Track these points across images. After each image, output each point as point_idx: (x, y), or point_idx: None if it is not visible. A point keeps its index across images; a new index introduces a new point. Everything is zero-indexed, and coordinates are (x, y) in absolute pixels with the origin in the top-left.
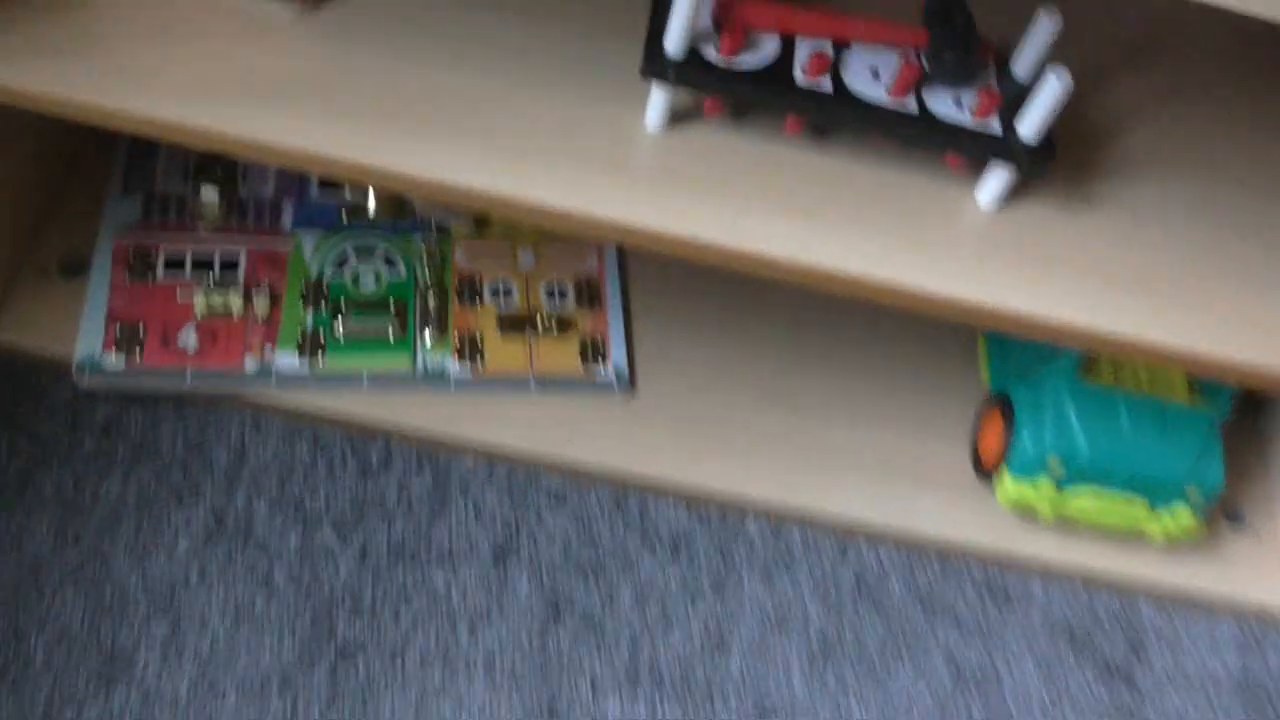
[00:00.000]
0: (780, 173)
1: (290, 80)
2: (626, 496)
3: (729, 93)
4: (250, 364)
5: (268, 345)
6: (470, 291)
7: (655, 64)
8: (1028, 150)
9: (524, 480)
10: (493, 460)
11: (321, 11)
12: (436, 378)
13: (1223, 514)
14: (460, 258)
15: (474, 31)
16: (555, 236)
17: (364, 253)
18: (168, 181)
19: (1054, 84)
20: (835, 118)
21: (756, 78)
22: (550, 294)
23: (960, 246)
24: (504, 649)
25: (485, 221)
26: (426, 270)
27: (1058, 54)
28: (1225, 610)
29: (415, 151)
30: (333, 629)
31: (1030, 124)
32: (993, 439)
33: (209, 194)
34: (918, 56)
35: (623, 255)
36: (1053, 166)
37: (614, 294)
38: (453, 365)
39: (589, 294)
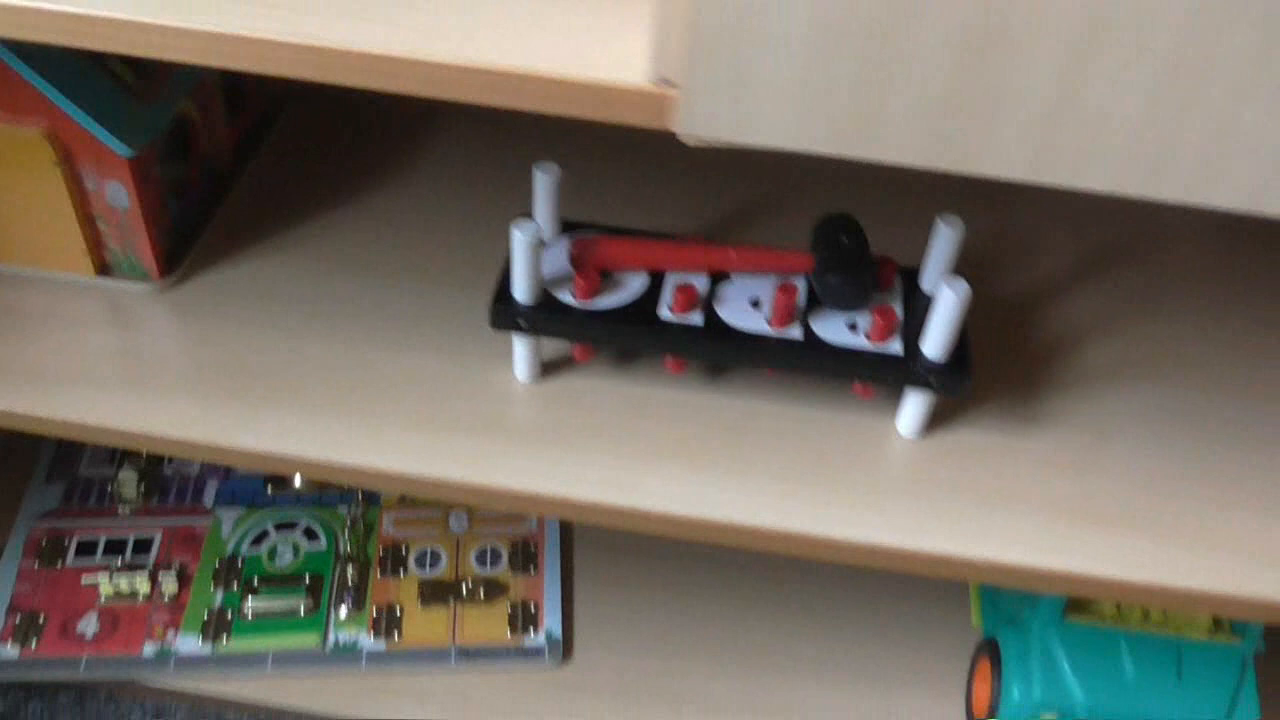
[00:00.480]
0: (671, 417)
1: (148, 361)
2: None
3: (586, 336)
4: (149, 649)
5: (170, 629)
6: (394, 561)
7: (505, 314)
8: (936, 370)
9: None
10: None
11: (181, 287)
12: (348, 654)
13: None
14: (388, 525)
15: (337, 298)
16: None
17: (285, 527)
18: (92, 465)
19: (948, 296)
20: (707, 352)
21: (617, 317)
22: (482, 559)
23: (884, 485)
24: None
25: None
26: (349, 541)
27: (1015, 262)
28: None
29: (281, 429)
30: None
31: (933, 341)
32: (983, 691)
33: (127, 477)
34: (806, 281)
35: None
36: (984, 384)
37: (553, 555)
38: (366, 640)
39: (524, 557)
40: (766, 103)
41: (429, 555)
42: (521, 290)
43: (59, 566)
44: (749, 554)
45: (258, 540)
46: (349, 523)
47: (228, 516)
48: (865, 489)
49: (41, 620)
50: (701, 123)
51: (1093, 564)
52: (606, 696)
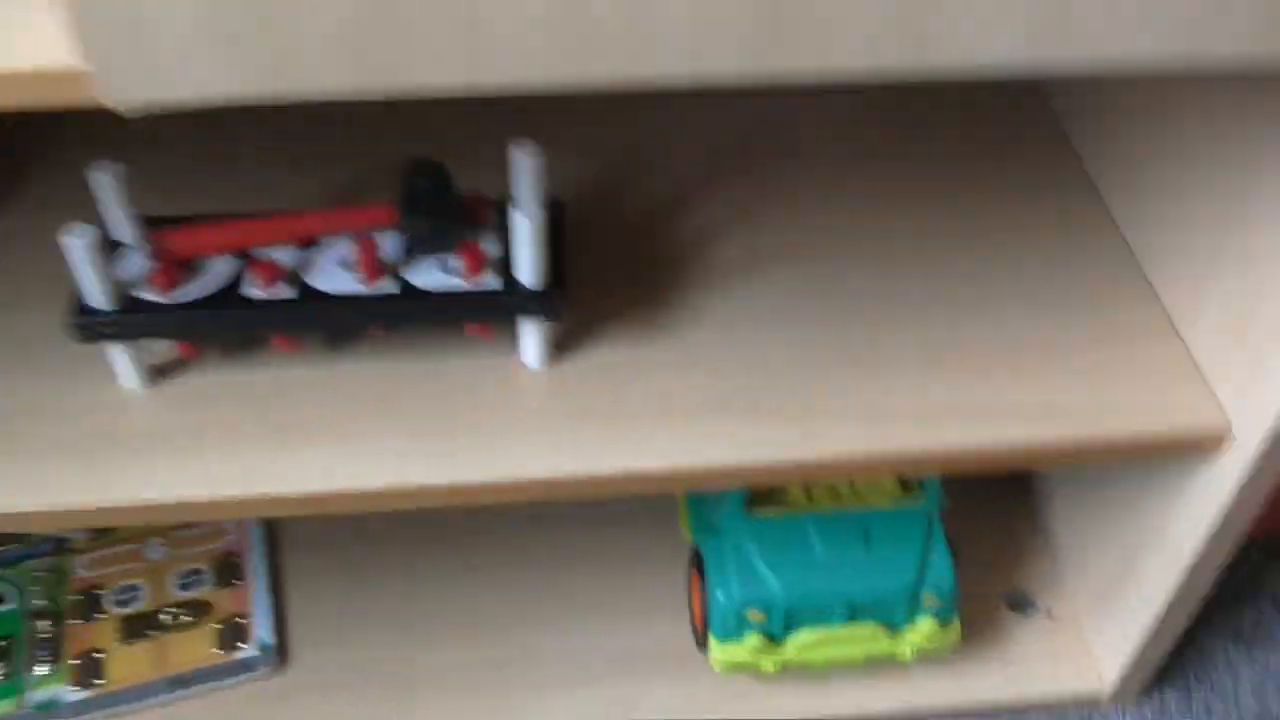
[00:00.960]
0: (297, 398)
1: None
2: None
3: (176, 332)
4: None
5: None
6: (90, 605)
7: (86, 326)
8: (532, 296)
9: None
10: None
11: None
12: (49, 710)
13: (1007, 606)
14: (80, 569)
15: None
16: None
17: None
18: None
19: (522, 222)
20: (304, 323)
21: (203, 306)
22: (185, 583)
23: (519, 418)
24: None
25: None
26: (40, 594)
27: (641, 175)
28: (1031, 710)
29: None
30: None
31: (524, 269)
32: (698, 603)
33: None
34: (391, 233)
35: (272, 532)
36: (613, 302)
37: (258, 564)
38: (67, 694)
39: (228, 570)
40: (176, 58)
41: (127, 591)
42: (96, 297)
43: None
44: (452, 520)
45: None
46: (35, 576)
47: None
48: (501, 426)
49: None
50: (124, 90)
51: (733, 454)
52: (331, 693)
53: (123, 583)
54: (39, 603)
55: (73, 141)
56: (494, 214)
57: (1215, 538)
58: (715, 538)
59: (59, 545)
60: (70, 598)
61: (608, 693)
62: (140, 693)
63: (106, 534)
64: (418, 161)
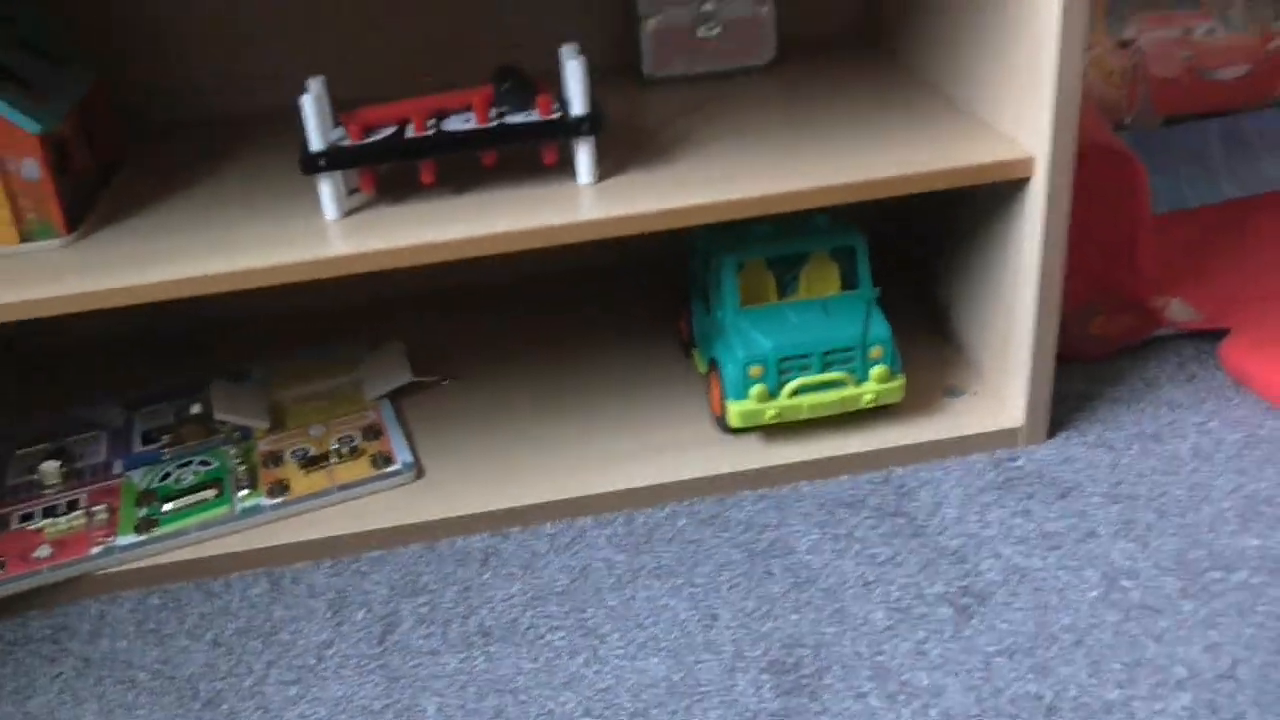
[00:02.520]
0: (437, 213)
1: (74, 270)
2: (437, 540)
3: (365, 158)
4: (95, 550)
5: (109, 536)
6: (274, 460)
7: (309, 160)
8: (584, 118)
9: (347, 558)
10: (317, 555)
11: (80, 243)
12: (253, 513)
13: (944, 394)
14: (263, 447)
15: (189, 238)
16: (339, 410)
17: (182, 464)
18: (14, 475)
19: (572, 66)
20: (442, 147)
21: (380, 145)
22: (341, 442)
23: (577, 198)
24: (347, 659)
25: (280, 420)
26: (237, 457)
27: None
28: (969, 447)
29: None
30: (196, 693)
31: (575, 101)
32: (715, 389)
33: (49, 467)
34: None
35: (398, 408)
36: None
37: (394, 426)
38: (265, 502)
39: (373, 433)
40: None
41: (299, 451)
42: (315, 140)
43: (6, 531)
44: (519, 380)
45: (163, 479)
46: (233, 448)
47: (136, 475)
48: (567, 206)
49: (2, 560)
50: None
51: (744, 191)
52: (455, 487)
53: (297, 447)
54: (235, 463)
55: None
56: (553, 97)
57: (1048, 244)
58: (719, 340)
59: (244, 434)
60: (259, 462)
61: (654, 462)
62: (319, 498)
63: (279, 425)
64: (502, 67)
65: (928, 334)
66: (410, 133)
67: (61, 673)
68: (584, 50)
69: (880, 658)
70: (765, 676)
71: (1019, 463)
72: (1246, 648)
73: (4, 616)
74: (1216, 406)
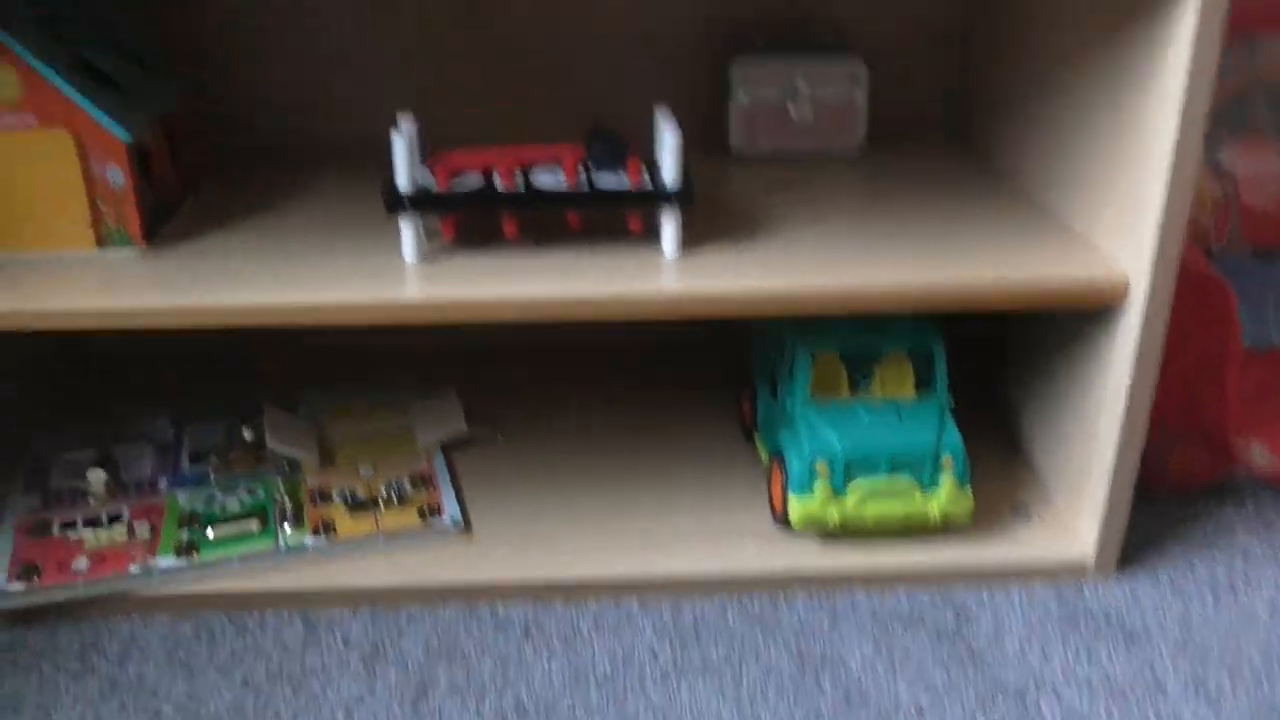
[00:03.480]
0: (516, 268)
1: (144, 284)
2: (478, 603)
3: (449, 206)
4: (134, 569)
5: (149, 555)
6: (321, 497)
7: (395, 200)
8: (674, 191)
9: (385, 610)
10: (356, 604)
11: (158, 253)
12: (298, 551)
13: (1011, 513)
14: (310, 481)
15: (267, 260)
16: (389, 453)
17: (229, 489)
18: (62, 478)
19: (667, 130)
20: (527, 204)
21: (469, 195)
22: (389, 488)
23: (661, 270)
24: (375, 719)
25: (329, 456)
26: (284, 489)
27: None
28: (1034, 575)
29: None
30: None
31: (667, 170)
32: (777, 484)
33: (96, 477)
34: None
35: (449, 458)
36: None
37: (444, 476)
38: (309, 539)
39: (423, 483)
40: None
41: (347, 491)
42: (403, 181)
43: (47, 537)
44: (585, 428)
45: (209, 502)
46: (281, 479)
47: (182, 495)
48: (651, 273)
49: (40, 566)
50: None
51: (828, 284)
52: (504, 548)
53: (345, 487)
54: (282, 495)
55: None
56: (643, 163)
57: (1138, 372)
58: (787, 426)
59: (293, 466)
60: (306, 496)
61: (707, 551)
62: (363, 544)
63: (328, 460)
64: (596, 128)
65: (998, 447)
66: (498, 183)
67: (86, 692)
68: (677, 118)
69: None
70: None
71: (1086, 598)
72: None
73: (34, 625)
74: None
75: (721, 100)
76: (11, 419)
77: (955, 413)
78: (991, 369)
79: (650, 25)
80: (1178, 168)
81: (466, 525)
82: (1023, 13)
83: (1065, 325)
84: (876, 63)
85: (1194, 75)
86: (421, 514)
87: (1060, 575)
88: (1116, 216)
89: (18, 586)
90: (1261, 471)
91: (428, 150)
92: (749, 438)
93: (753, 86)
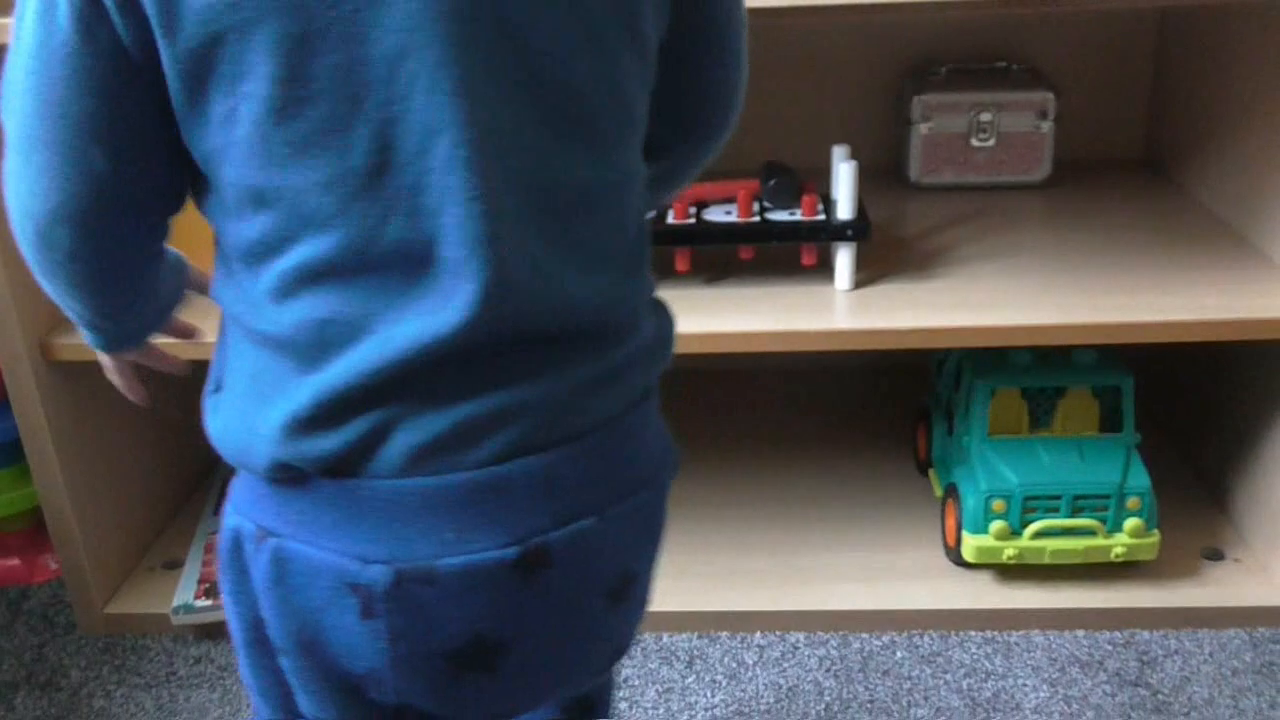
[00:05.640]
0: (688, 302)
1: None
2: (644, 632)
3: None
4: None
5: None
6: None
7: None
8: (849, 223)
9: None
10: None
11: None
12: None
13: (1202, 556)
14: None
15: None
16: None
17: None
18: None
19: (843, 165)
20: (700, 238)
21: None
22: None
23: (838, 303)
24: None
25: None
26: None
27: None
28: (1226, 620)
29: None
30: None
31: (842, 204)
32: (951, 518)
33: None
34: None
35: None
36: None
37: None
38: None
39: None
40: None
41: None
42: None
43: None
44: (757, 457)
45: None
46: None
47: None
48: (824, 311)
49: (213, 587)
50: None
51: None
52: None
53: None
54: None
55: None
56: (819, 198)
57: None
58: (963, 463)
59: None
60: None
61: (877, 585)
62: None
63: None
64: (770, 162)
65: (1189, 489)
66: (671, 218)
67: None
68: (853, 150)
69: None
70: None
71: None
72: None
73: (219, 640)
74: None
75: (902, 132)
76: (202, 445)
77: (1142, 452)
78: (1183, 406)
79: (834, 58)
80: None
81: None
82: (1219, 40)
83: (1262, 363)
84: (1065, 91)
85: None
86: None
87: (1255, 621)
88: None
89: (205, 603)
90: None
91: None
92: (923, 472)
93: (935, 115)
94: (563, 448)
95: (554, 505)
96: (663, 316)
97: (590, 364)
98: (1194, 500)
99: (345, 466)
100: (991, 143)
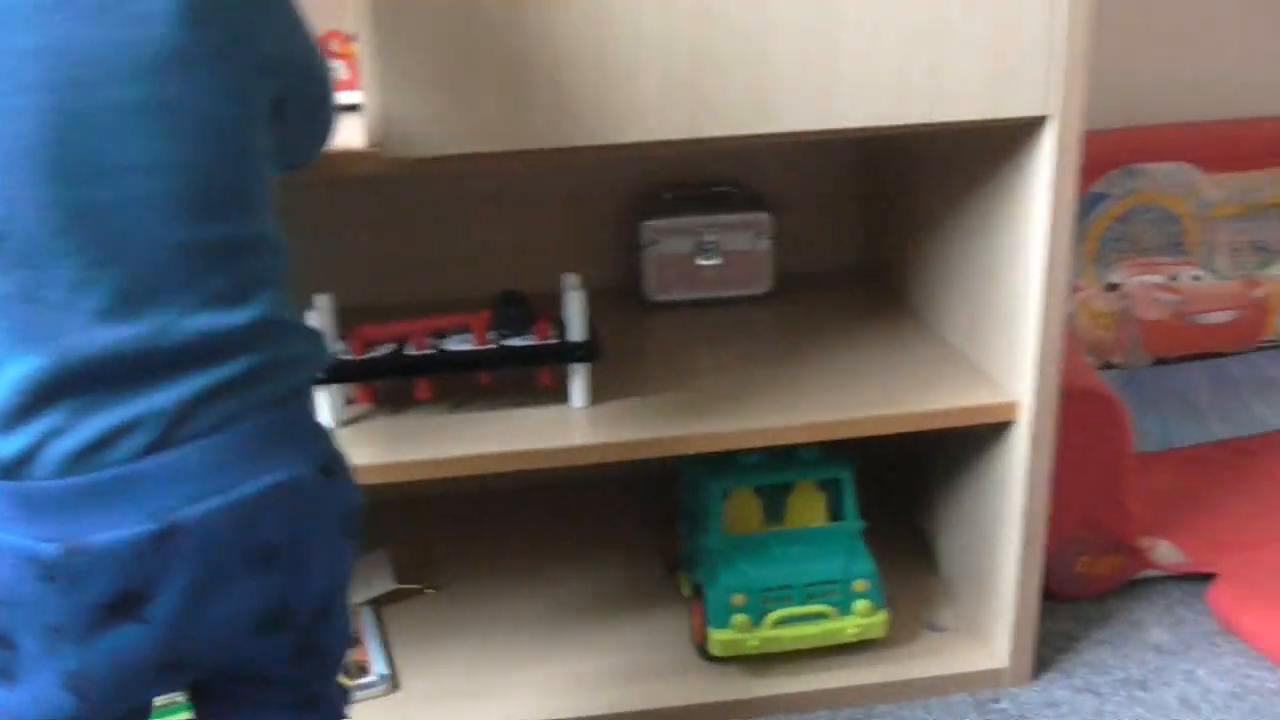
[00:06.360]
0: (432, 429)
1: None
2: None
3: (368, 376)
4: None
5: None
6: None
7: None
8: (580, 344)
9: None
10: None
11: None
12: None
13: (924, 627)
14: None
15: None
16: None
17: None
18: None
19: (573, 293)
20: (440, 367)
21: (383, 361)
22: None
23: (571, 422)
24: None
25: None
26: None
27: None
28: (952, 687)
29: None
30: None
31: (573, 328)
32: (698, 616)
33: None
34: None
35: (380, 614)
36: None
37: (373, 637)
38: None
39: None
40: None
41: None
42: None
43: None
44: (514, 575)
45: None
46: None
47: None
48: (560, 428)
49: None
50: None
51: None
52: (431, 701)
53: None
54: None
55: None
56: (553, 322)
57: (1032, 485)
58: (704, 562)
59: None
60: None
61: (632, 687)
62: None
63: None
64: (504, 292)
65: (912, 565)
66: (410, 350)
67: None
68: (591, 271)
69: None
70: None
71: (1002, 705)
72: None
73: None
74: (1203, 654)
75: (635, 255)
76: None
77: (867, 537)
78: (903, 493)
79: (568, 190)
80: (1049, 294)
81: (395, 680)
82: (917, 158)
83: (966, 445)
84: (785, 209)
85: (1056, 212)
86: (349, 672)
87: (977, 685)
88: (1004, 345)
89: None
90: (1171, 568)
91: (345, 325)
92: (673, 574)
93: (663, 239)
94: (188, 445)
95: (184, 489)
96: (288, 343)
97: (204, 378)
98: (918, 576)
99: (18, 470)
100: (717, 261)
